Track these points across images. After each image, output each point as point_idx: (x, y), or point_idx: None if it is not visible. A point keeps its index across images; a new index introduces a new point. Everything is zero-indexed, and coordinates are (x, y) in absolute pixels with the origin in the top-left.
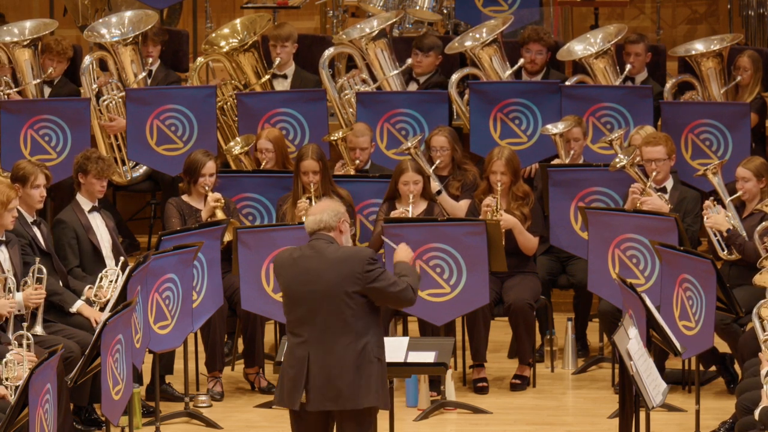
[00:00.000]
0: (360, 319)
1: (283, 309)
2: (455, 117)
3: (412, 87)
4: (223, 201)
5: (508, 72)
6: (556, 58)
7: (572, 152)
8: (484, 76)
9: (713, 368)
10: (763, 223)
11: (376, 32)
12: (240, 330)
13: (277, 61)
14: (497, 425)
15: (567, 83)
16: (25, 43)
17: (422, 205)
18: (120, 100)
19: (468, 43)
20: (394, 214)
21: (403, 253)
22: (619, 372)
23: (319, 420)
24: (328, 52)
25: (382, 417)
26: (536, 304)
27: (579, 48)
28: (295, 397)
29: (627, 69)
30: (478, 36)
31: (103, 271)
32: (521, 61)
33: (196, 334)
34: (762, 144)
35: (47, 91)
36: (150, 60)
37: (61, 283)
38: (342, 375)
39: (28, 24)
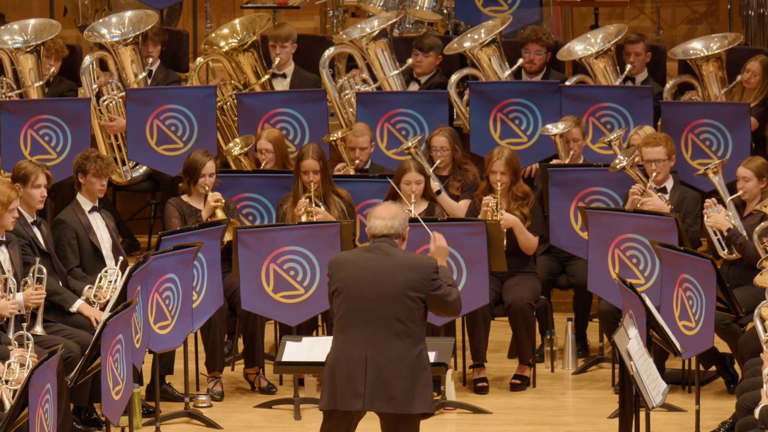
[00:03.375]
0: (417, 325)
1: (336, 307)
2: (455, 117)
3: (414, 87)
4: (223, 201)
5: (507, 72)
6: (557, 57)
7: (572, 152)
8: (483, 76)
9: (713, 368)
10: (762, 223)
11: (377, 32)
12: (240, 330)
13: (277, 61)
14: (497, 425)
15: (567, 83)
16: (28, 48)
17: (423, 205)
18: (120, 100)
19: (467, 44)
20: None
21: (440, 253)
22: (619, 372)
23: (356, 419)
24: (329, 51)
25: None
26: (536, 304)
27: (579, 48)
28: (351, 398)
29: (627, 69)
30: (476, 37)
31: (103, 271)
32: (520, 61)
33: (196, 334)
34: (762, 144)
35: (45, 90)
36: (150, 60)
37: (60, 283)
38: (398, 378)
39: (31, 23)
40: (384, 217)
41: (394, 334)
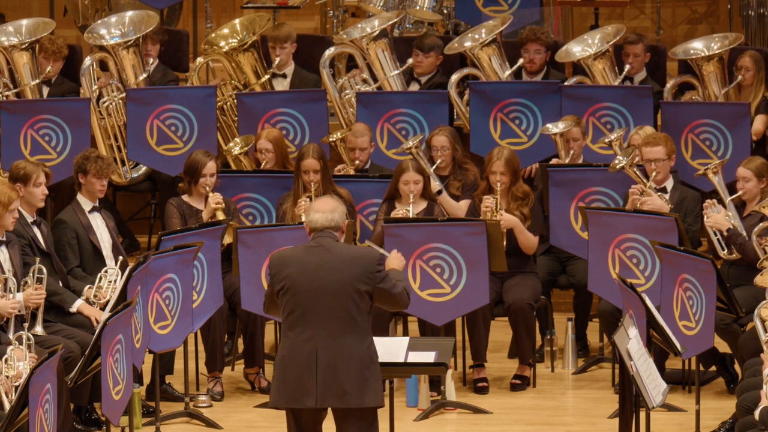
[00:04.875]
0: (363, 318)
1: (284, 305)
2: (456, 117)
3: (414, 87)
4: (223, 203)
5: (507, 72)
6: (555, 59)
7: (572, 152)
8: (483, 76)
9: (713, 368)
10: (761, 224)
11: (377, 32)
12: (240, 330)
13: (277, 61)
14: (497, 425)
15: (567, 83)
16: (23, 46)
17: (422, 205)
18: (120, 101)
19: (467, 44)
20: (394, 213)
21: (395, 261)
22: (619, 372)
23: (317, 416)
24: (329, 51)
25: (383, 417)
26: (536, 304)
27: (577, 49)
28: (302, 396)
29: (626, 69)
30: (477, 36)
31: (102, 271)
32: (520, 61)
33: (196, 334)
34: (762, 144)
35: (45, 90)
36: (151, 60)
37: (60, 284)
38: (349, 373)
39: (24, 23)
40: (324, 210)
41: (343, 330)
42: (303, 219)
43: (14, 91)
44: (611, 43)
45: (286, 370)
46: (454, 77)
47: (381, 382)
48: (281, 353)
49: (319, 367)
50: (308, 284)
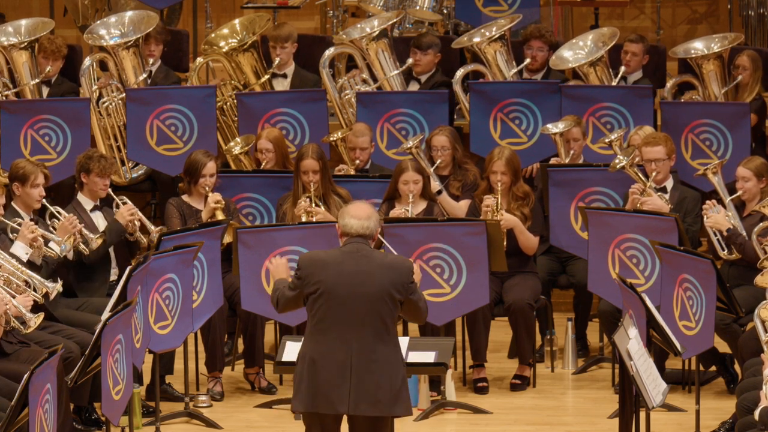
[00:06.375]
0: (394, 326)
1: (315, 309)
2: (456, 117)
3: (414, 87)
4: (223, 202)
5: (513, 71)
6: (549, 66)
7: (572, 152)
8: (488, 72)
9: (713, 368)
10: (761, 224)
11: (377, 32)
12: (240, 330)
13: (277, 61)
14: (497, 425)
15: (567, 83)
16: (22, 45)
17: (422, 205)
18: (120, 102)
19: (476, 39)
20: (393, 213)
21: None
22: (619, 372)
23: (339, 419)
24: (329, 51)
25: None
26: (536, 304)
27: (569, 54)
28: (334, 402)
29: (621, 70)
30: (487, 33)
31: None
32: (527, 61)
33: (196, 334)
34: (762, 144)
35: (45, 90)
36: (152, 60)
37: (60, 283)
38: (382, 381)
39: (23, 22)
40: (360, 216)
41: (377, 337)
42: (303, 219)
43: (14, 90)
44: (608, 47)
45: (317, 375)
46: (459, 73)
47: (408, 390)
48: (310, 356)
49: (353, 374)
50: (345, 290)
